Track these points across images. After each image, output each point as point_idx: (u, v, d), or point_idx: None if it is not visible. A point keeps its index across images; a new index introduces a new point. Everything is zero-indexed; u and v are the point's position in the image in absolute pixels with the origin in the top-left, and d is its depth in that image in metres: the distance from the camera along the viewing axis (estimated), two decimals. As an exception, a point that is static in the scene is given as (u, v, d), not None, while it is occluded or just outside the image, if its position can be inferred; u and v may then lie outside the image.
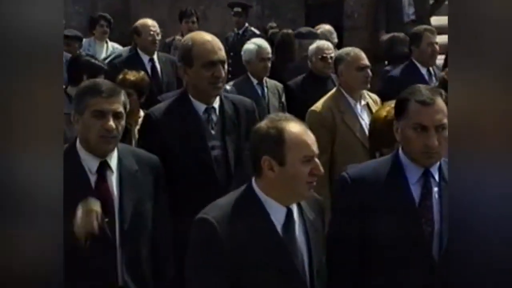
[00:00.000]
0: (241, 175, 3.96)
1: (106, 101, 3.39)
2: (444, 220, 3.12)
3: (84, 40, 9.16)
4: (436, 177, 3.20)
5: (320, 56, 7.00)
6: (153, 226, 3.58)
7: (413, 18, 10.87)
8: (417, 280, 3.11)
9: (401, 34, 8.24)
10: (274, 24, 10.17)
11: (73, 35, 8.66)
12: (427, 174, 3.19)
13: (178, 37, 8.81)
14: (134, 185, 3.49)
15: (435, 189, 3.18)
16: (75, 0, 11.68)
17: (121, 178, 3.47)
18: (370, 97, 5.81)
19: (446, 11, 11.45)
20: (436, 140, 3.10)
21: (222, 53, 4.08)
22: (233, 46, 9.14)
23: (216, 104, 4.12)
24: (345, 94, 5.70)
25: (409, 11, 10.94)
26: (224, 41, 9.76)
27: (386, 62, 8.21)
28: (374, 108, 5.55)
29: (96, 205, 3.31)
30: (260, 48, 6.99)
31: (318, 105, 5.68)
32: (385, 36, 8.83)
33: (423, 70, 6.76)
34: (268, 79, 6.89)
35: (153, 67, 7.18)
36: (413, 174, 3.18)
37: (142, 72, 5.79)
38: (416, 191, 3.17)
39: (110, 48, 8.97)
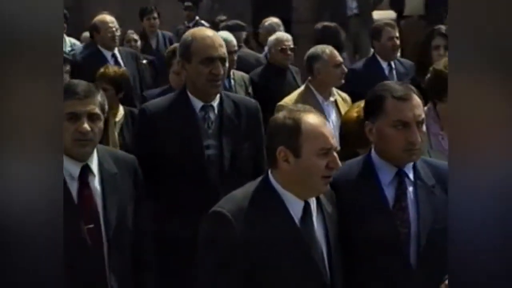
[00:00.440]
0: (236, 176, 3.85)
1: (80, 102, 3.24)
2: (421, 220, 3.05)
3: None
4: (411, 176, 3.11)
5: (279, 48, 7.18)
6: (135, 230, 3.46)
7: (356, 12, 11.29)
8: (395, 282, 3.03)
9: (333, 24, 8.47)
10: (223, 18, 10.36)
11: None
12: (401, 175, 3.10)
13: (130, 31, 8.90)
14: (116, 188, 3.37)
15: (410, 189, 3.09)
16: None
17: (103, 182, 3.34)
18: (340, 95, 5.93)
19: (388, 5, 11.93)
20: (419, 136, 3.03)
21: (223, 50, 3.94)
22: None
23: (215, 102, 3.98)
24: (314, 91, 5.85)
25: (352, 5, 11.32)
26: (175, 34, 10.06)
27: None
28: (342, 106, 5.72)
29: None
30: (225, 41, 7.07)
31: (286, 100, 5.79)
32: (319, 25, 8.94)
33: (384, 64, 6.89)
34: (235, 71, 6.86)
35: (116, 62, 7.19)
36: (386, 175, 3.09)
37: (123, 68, 5.93)
38: (390, 193, 3.08)
39: (69, 43, 9.05)
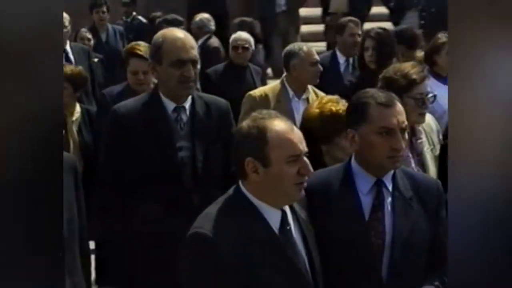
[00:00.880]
0: (209, 177, 3.86)
1: None
2: (396, 232, 3.01)
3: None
4: (389, 187, 3.07)
5: (231, 46, 7.40)
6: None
7: (284, 9, 11.85)
8: None
9: (249, 19, 8.89)
10: (158, 13, 10.53)
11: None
12: (379, 184, 3.05)
13: (83, 29, 8.96)
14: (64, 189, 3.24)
15: (388, 199, 3.05)
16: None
17: None
18: (315, 93, 5.86)
19: (314, 2, 12.51)
20: (403, 142, 3.01)
21: (194, 52, 3.84)
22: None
23: (187, 103, 3.92)
24: (288, 87, 5.86)
25: (281, 1, 11.85)
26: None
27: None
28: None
29: None
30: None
31: (256, 91, 5.85)
32: (236, 20, 9.27)
33: (341, 60, 7.00)
34: None
35: (67, 58, 7.18)
36: (364, 184, 3.04)
37: (80, 67, 5.97)
38: (367, 202, 3.03)
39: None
